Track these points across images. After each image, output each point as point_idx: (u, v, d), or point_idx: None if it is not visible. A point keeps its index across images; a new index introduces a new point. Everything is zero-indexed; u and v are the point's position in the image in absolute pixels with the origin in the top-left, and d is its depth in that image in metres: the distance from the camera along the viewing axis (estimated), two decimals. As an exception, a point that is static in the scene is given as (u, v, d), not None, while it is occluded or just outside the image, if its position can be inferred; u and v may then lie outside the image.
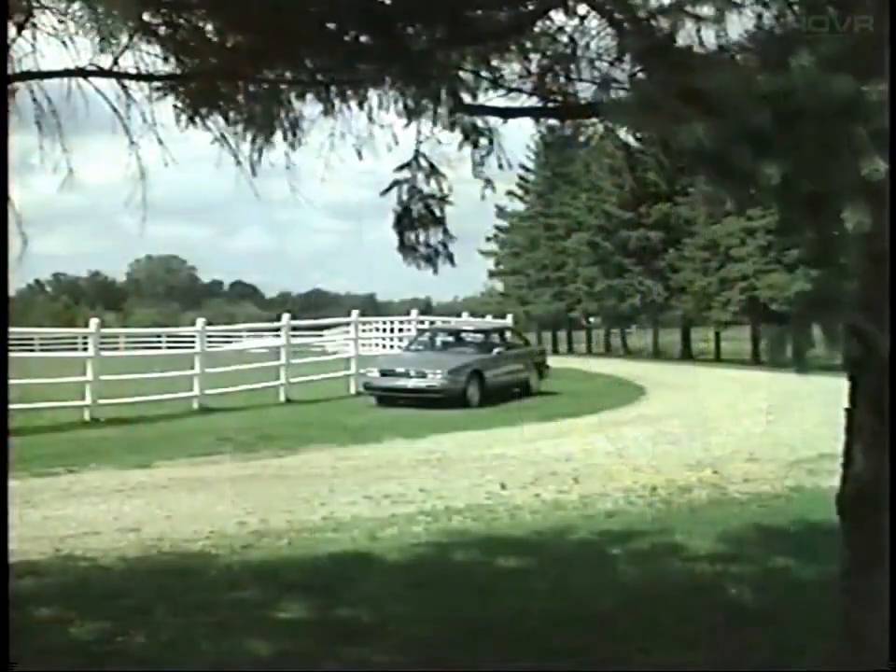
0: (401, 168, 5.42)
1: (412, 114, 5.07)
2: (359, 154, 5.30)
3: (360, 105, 5.08)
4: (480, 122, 5.30)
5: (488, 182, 5.54)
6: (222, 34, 4.75)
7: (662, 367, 34.09)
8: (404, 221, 5.43)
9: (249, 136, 5.16)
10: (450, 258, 5.56)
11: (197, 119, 5.06)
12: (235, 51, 4.68)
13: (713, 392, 21.92)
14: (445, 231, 5.51)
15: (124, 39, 4.83)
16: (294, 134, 5.19)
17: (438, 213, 5.46)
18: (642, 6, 3.55)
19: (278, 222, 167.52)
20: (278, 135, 5.19)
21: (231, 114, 5.09)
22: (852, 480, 3.36)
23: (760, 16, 3.19)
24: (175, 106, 5.08)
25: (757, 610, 5.53)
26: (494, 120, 5.33)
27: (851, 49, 2.55)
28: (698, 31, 3.11)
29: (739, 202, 2.89)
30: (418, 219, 5.42)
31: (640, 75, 3.81)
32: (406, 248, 5.47)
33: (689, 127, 2.57)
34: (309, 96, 5.08)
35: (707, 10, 3.02)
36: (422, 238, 5.46)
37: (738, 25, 3.13)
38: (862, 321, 2.86)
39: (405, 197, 5.43)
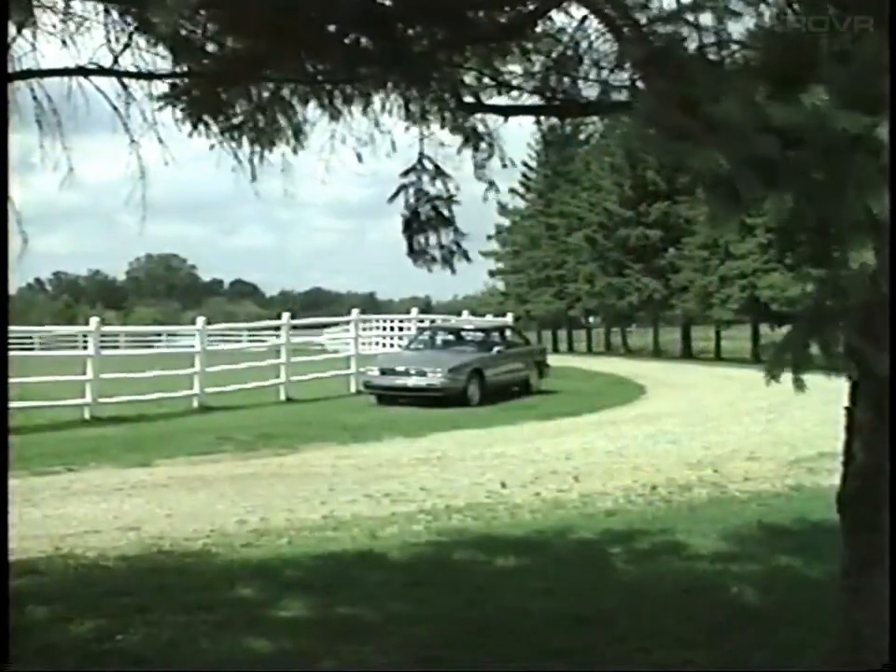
0: (407, 173, 5.39)
1: (414, 117, 5.06)
2: (359, 157, 5.29)
3: (363, 111, 5.06)
4: (480, 126, 5.29)
5: (491, 184, 5.53)
6: (222, 36, 4.74)
7: (662, 366, 34.07)
8: (413, 225, 5.39)
9: (251, 142, 5.15)
10: (465, 255, 5.53)
11: (200, 127, 5.04)
12: (235, 55, 4.67)
13: (713, 391, 21.92)
14: (456, 231, 5.48)
15: (123, 38, 4.83)
16: (297, 139, 5.17)
17: (446, 213, 5.43)
18: (643, 7, 3.54)
19: (278, 221, 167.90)
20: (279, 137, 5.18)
21: (234, 120, 5.08)
22: (852, 478, 3.37)
23: (760, 15, 3.19)
24: (172, 106, 5.07)
25: (758, 609, 5.53)
26: (493, 121, 5.32)
27: (859, 80, 2.50)
28: (700, 38, 3.09)
29: (740, 222, 2.87)
30: (427, 222, 5.39)
31: (640, 83, 3.80)
32: (416, 253, 5.43)
33: (692, 150, 2.55)
34: (310, 99, 5.07)
35: (706, 19, 3.02)
36: (433, 240, 5.42)
37: (739, 25, 3.12)
38: (860, 342, 2.85)
39: (412, 200, 5.40)
